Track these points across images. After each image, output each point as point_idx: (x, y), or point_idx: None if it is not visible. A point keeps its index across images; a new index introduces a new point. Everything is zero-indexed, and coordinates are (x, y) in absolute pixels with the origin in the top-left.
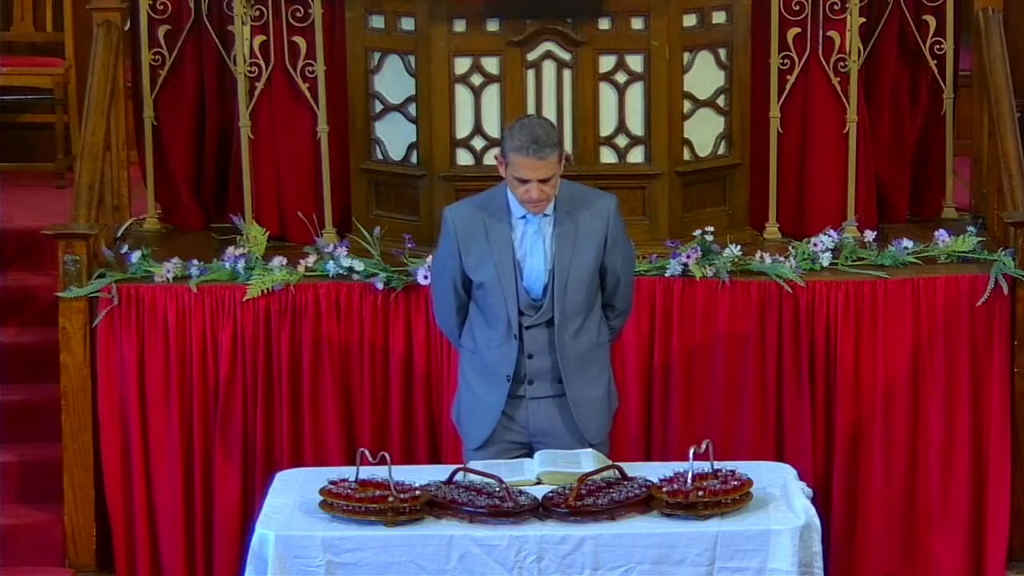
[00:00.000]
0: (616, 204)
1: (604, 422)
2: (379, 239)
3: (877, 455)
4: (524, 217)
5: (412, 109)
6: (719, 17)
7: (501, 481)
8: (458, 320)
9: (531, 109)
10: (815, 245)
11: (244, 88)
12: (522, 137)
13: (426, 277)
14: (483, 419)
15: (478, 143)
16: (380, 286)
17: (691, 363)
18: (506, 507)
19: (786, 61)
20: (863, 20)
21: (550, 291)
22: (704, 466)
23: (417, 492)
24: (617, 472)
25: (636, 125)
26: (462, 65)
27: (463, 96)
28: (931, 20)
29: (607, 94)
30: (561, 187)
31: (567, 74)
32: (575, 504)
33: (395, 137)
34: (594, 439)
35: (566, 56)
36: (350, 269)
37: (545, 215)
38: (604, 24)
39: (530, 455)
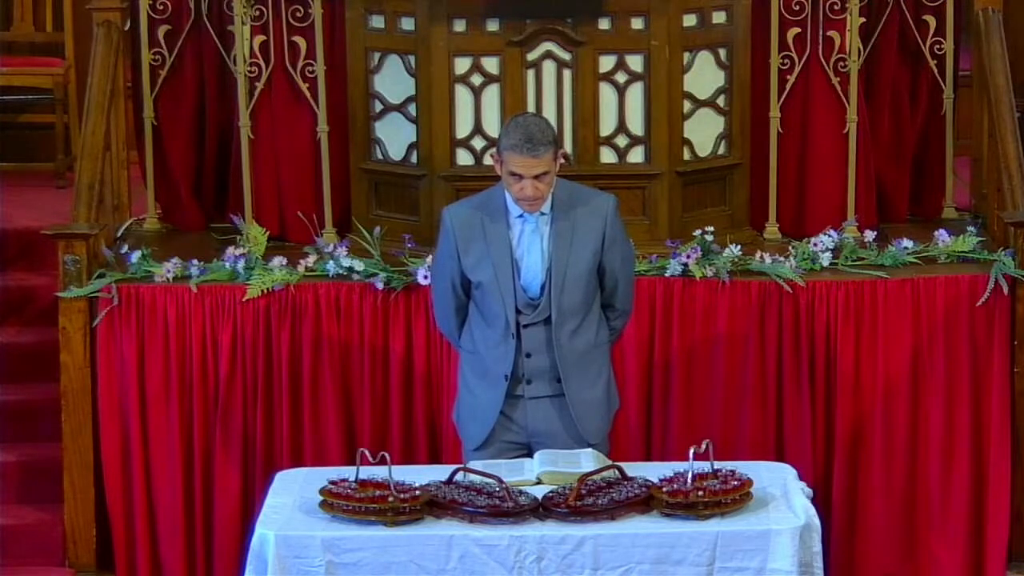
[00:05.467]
0: (615, 204)
1: (603, 423)
2: (379, 239)
3: (877, 455)
4: (522, 216)
5: (412, 109)
6: (719, 17)
7: (501, 481)
8: (458, 321)
9: (531, 109)
10: (815, 245)
11: (244, 88)
12: (516, 135)
13: (426, 277)
14: (481, 419)
15: (478, 143)
16: (380, 286)
17: (691, 363)
18: (506, 507)
19: (786, 61)
20: (863, 20)
21: (547, 290)
22: (704, 466)
23: (417, 492)
24: (617, 472)
25: (636, 125)
26: (462, 65)
27: (463, 96)
28: (931, 20)
29: (607, 94)
30: (560, 187)
31: (567, 74)
32: (575, 504)
33: (395, 137)
34: (593, 440)
35: (566, 56)
36: (350, 269)
37: (543, 214)
38: (604, 24)
39: (529, 455)
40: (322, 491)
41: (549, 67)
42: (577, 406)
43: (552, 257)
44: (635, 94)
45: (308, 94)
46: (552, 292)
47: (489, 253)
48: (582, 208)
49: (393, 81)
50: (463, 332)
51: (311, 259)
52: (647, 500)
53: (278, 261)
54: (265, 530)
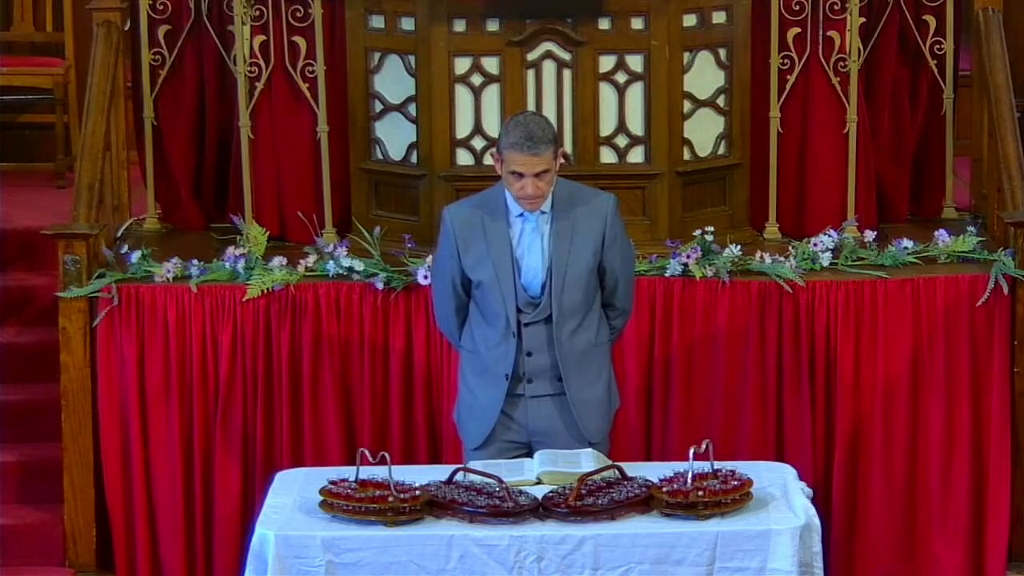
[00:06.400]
0: (614, 203)
1: (604, 422)
2: (379, 239)
3: (877, 455)
4: (522, 215)
5: (412, 109)
6: (719, 17)
7: (501, 481)
8: (458, 321)
9: (531, 109)
10: (815, 245)
11: (244, 88)
12: (517, 133)
13: (426, 277)
14: (482, 419)
15: (478, 143)
16: (380, 286)
17: (691, 363)
18: (506, 507)
19: (786, 61)
20: (863, 20)
21: (548, 288)
22: (704, 466)
23: (417, 492)
24: (617, 472)
25: (636, 125)
26: (462, 65)
27: (463, 96)
28: (931, 20)
29: (607, 94)
30: (559, 186)
31: (567, 74)
32: (575, 504)
33: (395, 137)
34: (593, 438)
35: (566, 56)
36: (350, 269)
37: (543, 212)
38: (604, 24)
39: (529, 455)
40: (322, 491)
41: (549, 67)
42: (578, 405)
43: (552, 256)
44: (635, 94)
45: (308, 94)
46: (553, 291)
47: (489, 252)
48: (582, 207)
49: (393, 81)
50: (463, 332)
51: (311, 259)
52: (647, 500)
53: (278, 261)
54: (265, 530)
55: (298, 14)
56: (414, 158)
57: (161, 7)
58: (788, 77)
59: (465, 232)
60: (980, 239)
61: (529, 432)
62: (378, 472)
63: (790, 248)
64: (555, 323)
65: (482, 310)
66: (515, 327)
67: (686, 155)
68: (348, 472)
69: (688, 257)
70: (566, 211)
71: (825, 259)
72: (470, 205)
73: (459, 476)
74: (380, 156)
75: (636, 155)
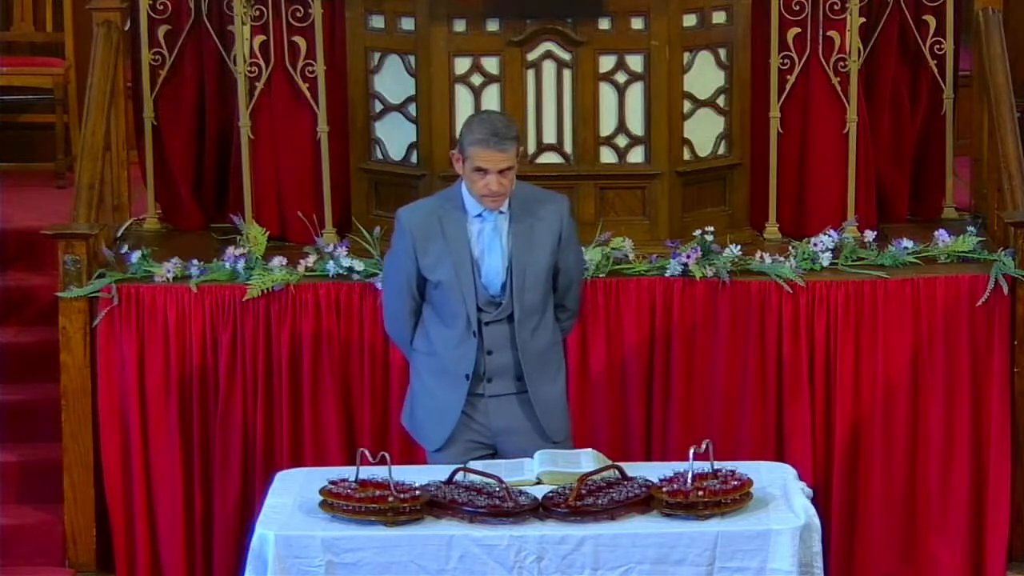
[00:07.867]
0: (568, 205)
1: (565, 420)
2: (379, 239)
3: (877, 455)
4: (480, 215)
5: (412, 109)
6: (719, 17)
7: (501, 481)
8: (410, 325)
9: (531, 109)
10: (815, 245)
11: (244, 88)
12: (483, 130)
13: None
14: (443, 420)
15: None
16: (380, 286)
17: (691, 363)
18: (506, 507)
19: (786, 61)
20: (863, 20)
21: (509, 288)
22: (704, 466)
23: (417, 492)
24: (617, 472)
25: (636, 125)
26: (462, 65)
27: (463, 96)
28: (931, 20)
29: (607, 94)
30: (516, 186)
31: (567, 74)
32: (575, 504)
33: (395, 137)
34: (556, 437)
35: (566, 56)
36: (350, 269)
37: (501, 212)
38: (604, 24)
39: (494, 455)
40: (322, 491)
41: (549, 67)
42: (540, 403)
43: (513, 255)
44: (635, 94)
45: (308, 94)
46: (514, 290)
47: (449, 252)
48: (539, 208)
49: (393, 81)
50: (415, 334)
51: (311, 259)
52: (647, 500)
53: (278, 261)
54: (265, 530)
55: (298, 14)
56: (414, 158)
57: (161, 7)
58: (788, 77)
59: (423, 232)
60: (980, 239)
61: (492, 432)
62: (378, 472)
63: (790, 248)
64: (517, 322)
65: (439, 311)
66: (476, 326)
67: (686, 155)
68: (348, 472)
69: (688, 257)
70: (524, 211)
71: (825, 259)
72: (426, 205)
73: (459, 476)
74: (380, 156)
75: (636, 155)
